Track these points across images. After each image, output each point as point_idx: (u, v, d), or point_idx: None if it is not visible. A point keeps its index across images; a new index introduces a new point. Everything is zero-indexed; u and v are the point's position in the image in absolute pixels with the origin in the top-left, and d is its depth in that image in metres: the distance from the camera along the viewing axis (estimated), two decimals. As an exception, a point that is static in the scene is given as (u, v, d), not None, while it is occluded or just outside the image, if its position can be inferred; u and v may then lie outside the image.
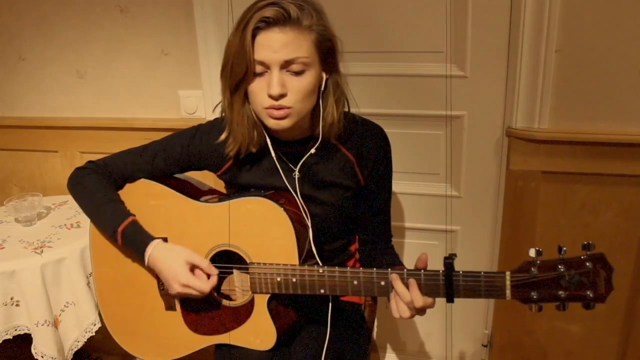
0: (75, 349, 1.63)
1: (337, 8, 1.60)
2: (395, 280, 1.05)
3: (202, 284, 1.15)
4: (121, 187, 1.29)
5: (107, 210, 1.23)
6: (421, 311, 1.05)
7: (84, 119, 2.04)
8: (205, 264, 1.17)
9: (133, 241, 1.21)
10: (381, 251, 1.34)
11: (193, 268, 1.18)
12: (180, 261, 1.16)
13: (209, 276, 1.18)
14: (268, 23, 1.03)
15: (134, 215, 1.23)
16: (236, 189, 1.29)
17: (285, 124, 1.10)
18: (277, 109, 1.08)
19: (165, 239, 1.25)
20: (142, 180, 1.29)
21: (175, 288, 1.16)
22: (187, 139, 1.28)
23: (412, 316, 1.06)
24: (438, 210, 1.84)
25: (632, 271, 1.63)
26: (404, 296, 1.04)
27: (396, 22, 1.66)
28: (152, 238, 1.20)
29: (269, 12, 1.02)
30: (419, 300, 1.03)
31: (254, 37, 1.04)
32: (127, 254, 1.28)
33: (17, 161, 2.18)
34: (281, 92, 1.06)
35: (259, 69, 1.06)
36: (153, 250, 1.19)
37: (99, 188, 1.25)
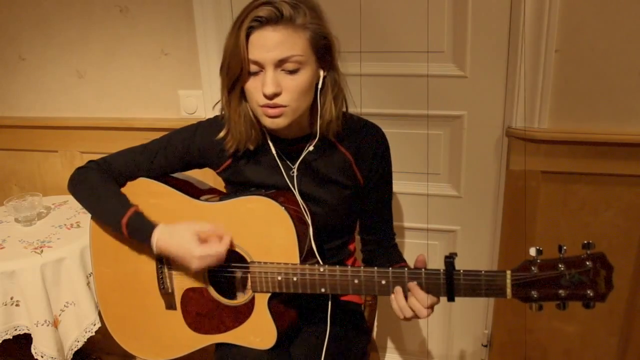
0: (75, 349, 1.63)
1: (337, 8, 1.60)
2: (398, 294, 1.06)
3: (218, 248, 1.13)
4: (122, 186, 1.29)
5: (109, 203, 1.23)
6: (426, 310, 1.05)
7: (84, 119, 2.04)
8: (212, 228, 1.15)
9: (138, 231, 1.19)
10: (384, 250, 1.34)
11: (202, 237, 1.15)
12: (188, 235, 1.14)
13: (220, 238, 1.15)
14: (261, 22, 1.04)
15: (136, 206, 1.22)
16: (236, 187, 1.29)
17: (280, 122, 1.11)
18: (272, 107, 1.08)
19: None
20: (143, 178, 1.29)
21: (194, 263, 1.14)
22: (187, 136, 1.28)
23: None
24: (438, 210, 1.84)
25: (631, 271, 1.63)
26: (422, 302, 1.04)
27: (396, 22, 1.66)
28: (154, 225, 1.18)
29: (262, 12, 1.03)
30: (424, 300, 1.04)
31: (248, 36, 1.05)
32: (128, 253, 1.28)
33: (17, 161, 2.18)
34: (275, 91, 1.06)
35: (253, 68, 1.07)
36: (159, 236, 1.17)
37: (100, 184, 1.26)
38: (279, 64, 1.06)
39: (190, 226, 1.16)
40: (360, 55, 1.71)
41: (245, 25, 1.04)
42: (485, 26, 1.59)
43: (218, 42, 1.78)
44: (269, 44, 1.04)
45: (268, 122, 1.12)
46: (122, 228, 1.20)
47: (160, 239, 1.16)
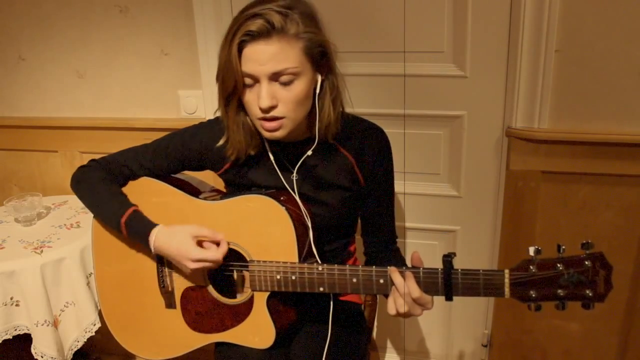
0: (75, 349, 1.63)
1: (337, 8, 1.60)
2: (393, 273, 1.05)
3: (214, 254, 1.14)
4: (123, 185, 1.30)
5: (110, 203, 1.24)
6: (418, 307, 1.05)
7: (84, 119, 2.04)
8: (210, 233, 1.16)
9: (136, 231, 1.21)
10: (386, 254, 1.34)
11: (200, 241, 1.16)
12: (186, 238, 1.15)
13: (218, 244, 1.16)
14: (253, 36, 1.02)
15: (136, 205, 1.23)
16: (236, 188, 1.29)
17: (278, 134, 1.10)
18: (270, 120, 1.08)
19: None
20: (144, 178, 1.29)
21: (189, 265, 1.15)
22: (188, 138, 1.28)
23: (408, 313, 1.05)
24: (438, 210, 1.84)
25: (631, 271, 1.63)
26: (400, 287, 1.03)
27: (396, 22, 1.66)
28: (153, 225, 1.20)
29: (253, 26, 1.01)
30: (416, 290, 1.03)
31: (240, 50, 1.04)
32: (129, 252, 1.29)
33: (17, 161, 2.18)
34: (271, 104, 1.06)
35: (248, 81, 1.06)
36: (157, 235, 1.18)
37: (101, 183, 1.26)
38: (274, 76, 1.05)
39: (189, 229, 1.16)
40: (357, 55, 1.71)
41: (236, 40, 1.03)
42: (485, 26, 1.59)
43: (218, 42, 1.74)
44: (262, 57, 1.03)
45: (267, 135, 1.12)
46: (122, 227, 1.21)
47: (158, 238, 1.18)
